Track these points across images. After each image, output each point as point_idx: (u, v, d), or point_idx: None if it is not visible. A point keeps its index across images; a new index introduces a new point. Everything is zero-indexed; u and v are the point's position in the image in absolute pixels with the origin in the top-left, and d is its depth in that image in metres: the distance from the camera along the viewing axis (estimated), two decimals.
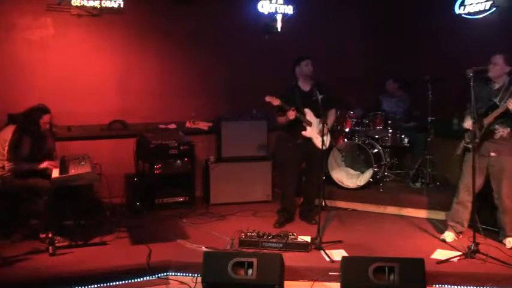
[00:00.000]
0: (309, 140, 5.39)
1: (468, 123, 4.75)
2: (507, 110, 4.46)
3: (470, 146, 4.71)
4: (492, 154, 4.61)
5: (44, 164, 4.88)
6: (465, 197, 4.81)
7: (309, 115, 5.39)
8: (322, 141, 4.99)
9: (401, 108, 7.06)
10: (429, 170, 6.24)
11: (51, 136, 5.32)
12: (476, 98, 4.70)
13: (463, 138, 4.86)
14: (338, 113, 6.31)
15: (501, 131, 4.60)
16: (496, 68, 4.60)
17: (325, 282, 4.21)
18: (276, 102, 5.18)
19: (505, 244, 4.70)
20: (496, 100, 4.58)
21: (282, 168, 5.71)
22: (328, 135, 5.26)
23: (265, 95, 5.17)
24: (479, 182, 4.69)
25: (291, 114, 5.18)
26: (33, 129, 4.89)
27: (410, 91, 7.03)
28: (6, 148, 4.73)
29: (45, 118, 4.95)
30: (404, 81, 7.02)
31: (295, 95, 5.38)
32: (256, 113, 6.63)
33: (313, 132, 5.38)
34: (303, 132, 5.36)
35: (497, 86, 4.66)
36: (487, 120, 4.59)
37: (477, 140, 4.59)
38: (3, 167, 4.74)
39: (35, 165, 4.87)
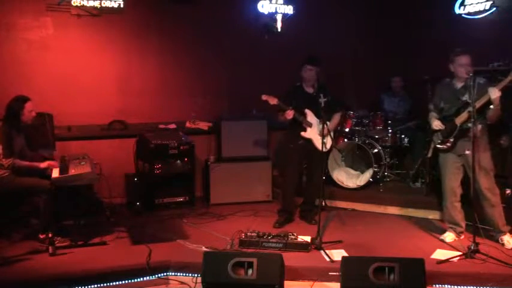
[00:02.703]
0: (310, 141, 5.39)
1: (436, 124, 4.79)
2: (485, 103, 4.45)
3: (442, 146, 4.76)
4: (467, 152, 4.58)
5: (45, 164, 4.87)
6: (451, 198, 4.84)
7: (310, 116, 5.39)
8: (322, 142, 4.98)
9: (402, 108, 7.06)
10: (429, 170, 6.23)
11: (50, 131, 5.28)
12: (441, 98, 4.77)
13: (432, 140, 4.88)
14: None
15: (474, 129, 4.60)
16: (470, 68, 4.57)
17: (325, 282, 4.21)
18: (273, 101, 5.18)
19: (503, 244, 4.68)
20: (465, 98, 4.58)
21: (283, 168, 5.70)
22: (329, 138, 5.22)
23: (262, 94, 5.18)
24: (458, 181, 4.74)
25: (289, 114, 5.18)
26: (19, 123, 4.82)
27: (412, 91, 7.03)
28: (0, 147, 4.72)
29: (28, 107, 4.84)
30: (410, 80, 7.01)
31: (297, 95, 5.38)
32: (256, 113, 6.63)
33: (313, 133, 5.38)
34: (302, 133, 5.36)
35: (460, 85, 4.68)
36: (459, 119, 4.61)
37: (452, 140, 4.63)
38: (1, 166, 4.73)
39: (35, 164, 4.85)
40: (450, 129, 4.70)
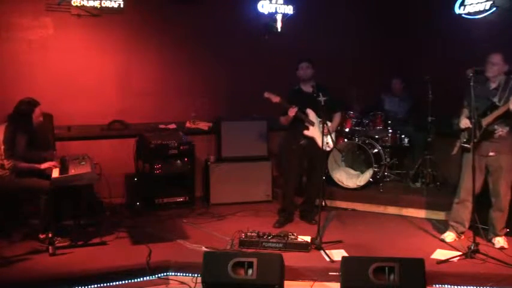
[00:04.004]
0: (312, 141, 5.39)
1: (464, 123, 4.74)
2: (507, 110, 4.44)
3: (467, 145, 4.70)
4: (491, 154, 4.61)
5: (45, 165, 4.87)
6: (465, 197, 4.81)
7: (312, 115, 5.40)
8: (322, 141, 4.98)
9: (402, 108, 7.06)
10: (429, 170, 6.24)
11: (50, 131, 5.29)
12: (474, 97, 4.71)
13: (459, 138, 4.85)
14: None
15: (500, 131, 4.59)
16: (495, 67, 4.58)
17: (325, 282, 4.22)
18: (276, 99, 5.19)
19: (493, 244, 4.70)
20: (495, 100, 4.57)
21: (284, 169, 5.69)
22: (329, 137, 5.19)
23: (265, 91, 5.18)
24: (479, 182, 4.68)
25: (292, 111, 5.19)
26: (26, 125, 4.84)
27: (412, 91, 7.03)
28: (1, 147, 4.73)
29: (37, 111, 4.89)
30: (410, 80, 7.00)
31: (297, 97, 5.39)
32: (255, 116, 6.62)
33: (315, 131, 5.38)
34: (305, 132, 5.37)
35: (493, 85, 4.64)
36: (486, 121, 4.56)
37: (475, 140, 4.58)
38: (2, 166, 4.73)
39: (36, 165, 4.85)
40: (478, 129, 4.59)
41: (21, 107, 4.83)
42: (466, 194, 4.79)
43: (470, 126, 4.67)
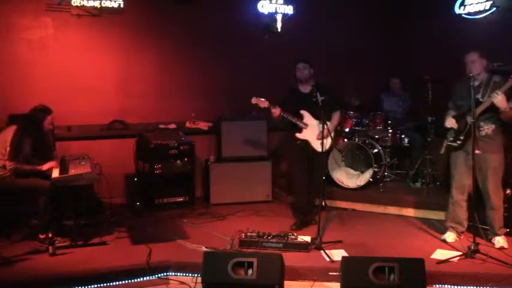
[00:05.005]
0: (307, 142, 5.35)
1: (449, 122, 4.76)
2: (491, 105, 4.43)
3: (453, 144, 4.73)
4: (477, 151, 4.56)
5: (46, 166, 4.89)
6: (458, 197, 4.82)
7: (307, 117, 5.36)
8: (322, 143, 4.96)
9: (401, 108, 7.06)
10: (429, 170, 6.23)
11: (52, 134, 5.32)
12: (459, 96, 4.73)
13: (446, 137, 4.86)
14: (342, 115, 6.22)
15: (486, 128, 4.59)
16: (475, 65, 4.59)
17: (325, 282, 4.21)
18: (264, 104, 5.15)
19: (493, 244, 4.69)
20: (478, 96, 4.56)
21: (291, 169, 5.62)
22: (329, 138, 5.11)
23: (252, 97, 5.16)
24: (469, 180, 4.69)
25: (274, 112, 5.15)
26: (36, 131, 4.91)
27: (412, 91, 7.03)
28: (7, 148, 4.74)
29: (49, 119, 4.99)
30: (410, 80, 7.00)
31: (294, 97, 5.36)
32: (255, 114, 6.62)
33: (309, 134, 5.32)
34: (297, 135, 5.32)
35: (477, 82, 4.64)
36: (470, 118, 4.55)
37: (461, 137, 4.60)
38: (3, 167, 4.75)
39: (37, 167, 4.87)
40: (461, 127, 4.65)
41: (35, 114, 4.92)
42: (460, 193, 4.80)
43: (454, 126, 4.71)
